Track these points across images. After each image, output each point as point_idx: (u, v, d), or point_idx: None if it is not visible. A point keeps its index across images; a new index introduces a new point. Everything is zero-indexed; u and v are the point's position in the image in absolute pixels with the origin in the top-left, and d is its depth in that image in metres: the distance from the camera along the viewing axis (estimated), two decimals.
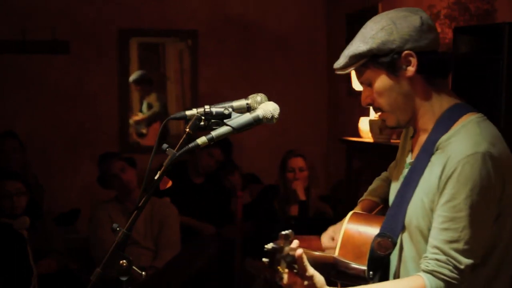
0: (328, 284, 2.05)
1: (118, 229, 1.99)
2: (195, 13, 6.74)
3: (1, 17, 6.37)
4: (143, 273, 2.02)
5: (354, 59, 2.13)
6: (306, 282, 2.01)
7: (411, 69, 2.11)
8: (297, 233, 2.17)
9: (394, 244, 2.14)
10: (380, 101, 2.16)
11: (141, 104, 6.90)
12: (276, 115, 2.12)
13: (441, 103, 2.15)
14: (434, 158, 2.08)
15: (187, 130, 2.04)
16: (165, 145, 2.01)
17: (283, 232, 1.95)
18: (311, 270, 2.01)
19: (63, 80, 6.54)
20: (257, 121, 2.10)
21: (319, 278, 2.03)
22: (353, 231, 2.32)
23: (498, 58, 3.77)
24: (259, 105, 2.13)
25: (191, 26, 6.74)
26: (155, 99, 6.96)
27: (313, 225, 4.73)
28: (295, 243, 1.99)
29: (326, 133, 7.01)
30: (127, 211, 5.06)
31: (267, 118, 2.11)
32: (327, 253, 2.33)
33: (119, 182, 5.10)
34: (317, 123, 7.00)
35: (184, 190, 5.83)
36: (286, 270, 1.96)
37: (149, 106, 6.92)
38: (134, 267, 1.98)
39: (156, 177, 2.00)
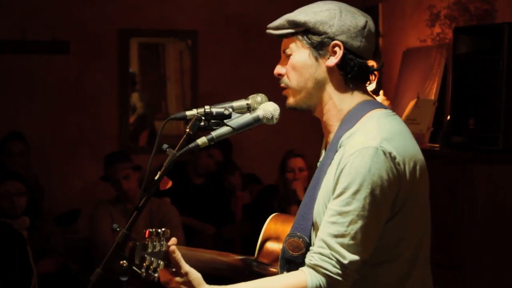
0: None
1: (118, 229, 1.98)
2: (195, 13, 6.74)
3: (1, 17, 6.37)
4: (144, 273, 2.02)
5: (288, 25, 2.13)
6: (180, 279, 2.03)
7: (333, 60, 2.08)
8: None
9: (307, 244, 2.09)
10: (291, 76, 2.14)
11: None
12: (276, 115, 2.12)
13: (351, 101, 2.12)
14: (335, 156, 2.06)
15: (187, 130, 2.03)
16: (165, 145, 2.01)
17: (149, 230, 1.98)
18: (186, 267, 2.03)
19: (63, 80, 6.53)
20: (257, 121, 2.10)
21: (195, 275, 2.03)
22: (270, 233, 2.29)
23: (498, 58, 3.78)
24: (259, 105, 2.13)
25: (191, 26, 6.73)
26: (137, 99, 6.92)
27: None
28: (173, 240, 2.03)
29: None
30: (127, 211, 5.06)
31: (267, 118, 2.11)
32: (241, 256, 2.30)
33: (119, 188, 5.12)
34: (317, 123, 6.97)
35: (184, 190, 5.83)
36: (160, 267, 1.99)
37: (133, 108, 6.89)
38: (134, 267, 1.98)
39: (156, 177, 2.00)
